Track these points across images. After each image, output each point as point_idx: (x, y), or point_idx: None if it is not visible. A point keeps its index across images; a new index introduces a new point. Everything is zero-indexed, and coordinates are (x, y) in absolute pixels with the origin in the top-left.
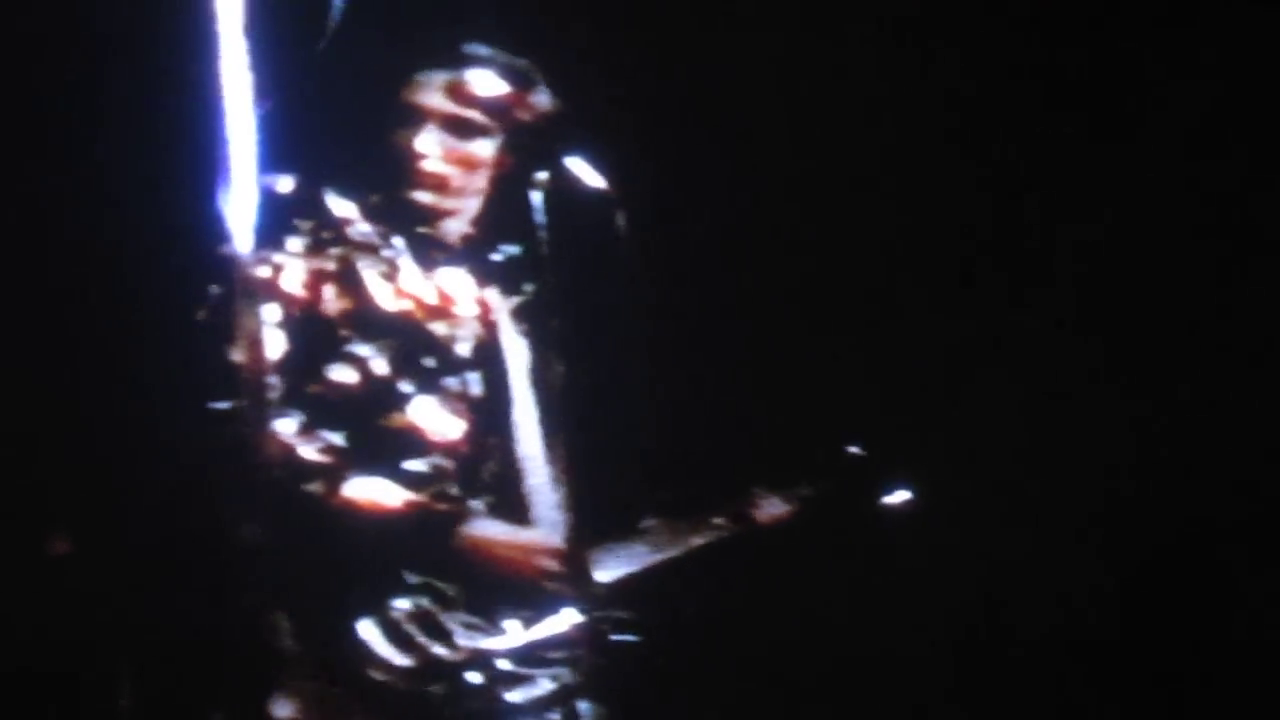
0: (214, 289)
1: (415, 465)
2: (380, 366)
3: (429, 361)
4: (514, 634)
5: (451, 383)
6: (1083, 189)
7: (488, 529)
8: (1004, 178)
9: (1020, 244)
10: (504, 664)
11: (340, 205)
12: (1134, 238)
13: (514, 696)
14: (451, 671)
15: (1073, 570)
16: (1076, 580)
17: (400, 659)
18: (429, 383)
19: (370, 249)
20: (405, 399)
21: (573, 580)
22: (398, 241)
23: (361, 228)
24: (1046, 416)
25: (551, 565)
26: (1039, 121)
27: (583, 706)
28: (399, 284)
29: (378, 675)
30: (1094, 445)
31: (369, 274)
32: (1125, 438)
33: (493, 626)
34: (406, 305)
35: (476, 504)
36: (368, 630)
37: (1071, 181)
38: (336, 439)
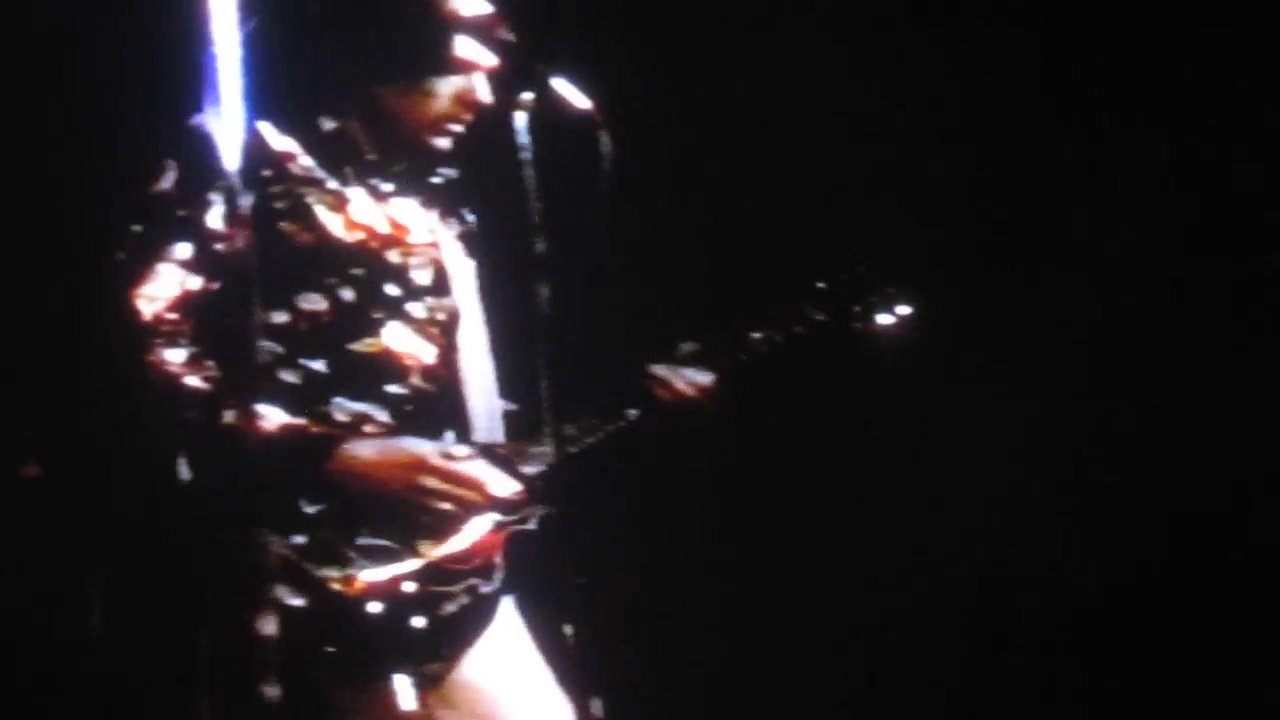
0: (147, 227)
1: (371, 391)
2: (342, 295)
3: (389, 289)
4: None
5: (409, 308)
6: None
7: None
8: None
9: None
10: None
11: (286, 140)
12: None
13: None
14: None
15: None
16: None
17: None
18: (386, 309)
19: (315, 183)
20: (363, 328)
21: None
22: (347, 174)
23: (305, 161)
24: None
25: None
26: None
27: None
28: (349, 215)
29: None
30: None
31: (319, 208)
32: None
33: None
34: (358, 236)
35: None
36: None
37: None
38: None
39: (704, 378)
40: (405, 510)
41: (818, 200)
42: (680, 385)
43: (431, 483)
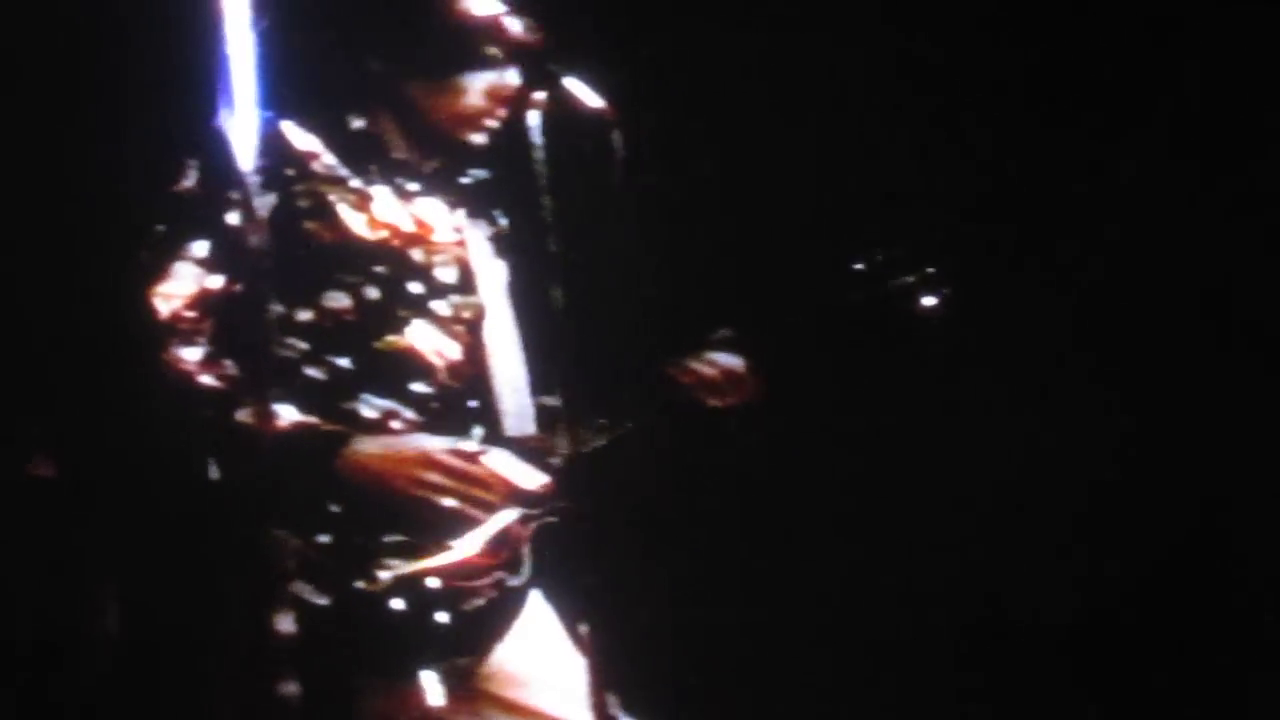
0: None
1: (397, 390)
2: (367, 294)
3: (414, 287)
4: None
5: (434, 306)
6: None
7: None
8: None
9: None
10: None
11: (309, 139)
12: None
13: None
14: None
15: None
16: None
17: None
18: (410, 308)
19: (338, 181)
20: (387, 326)
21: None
22: (372, 173)
23: (328, 160)
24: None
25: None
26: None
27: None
28: (372, 214)
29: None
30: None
31: (341, 206)
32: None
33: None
34: (382, 234)
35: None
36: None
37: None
38: (317, 369)
39: (736, 363)
40: (413, 508)
41: (845, 187)
42: (711, 371)
43: (438, 479)
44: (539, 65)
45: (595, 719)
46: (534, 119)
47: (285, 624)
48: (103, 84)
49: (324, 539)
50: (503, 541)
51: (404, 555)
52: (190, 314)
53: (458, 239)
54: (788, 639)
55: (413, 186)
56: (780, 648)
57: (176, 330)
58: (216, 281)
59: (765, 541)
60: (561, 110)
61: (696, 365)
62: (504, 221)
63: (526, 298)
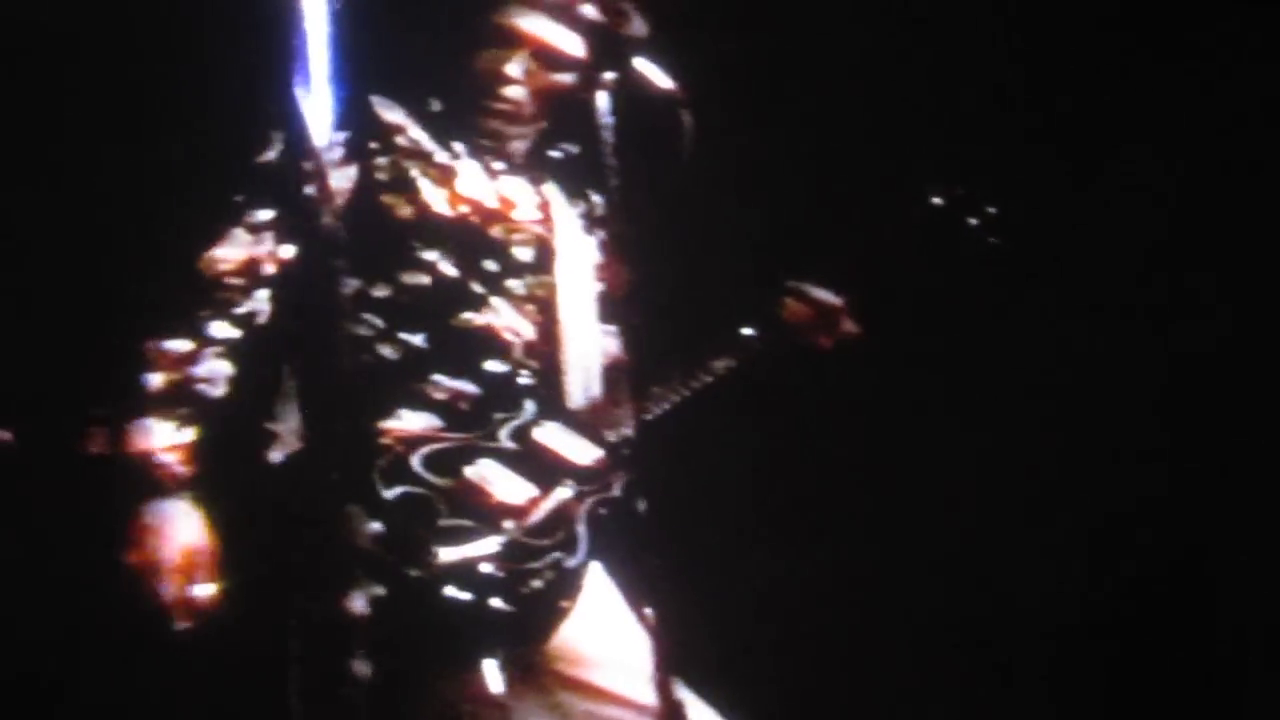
0: (270, 194)
1: (478, 366)
2: (444, 270)
3: (490, 265)
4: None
5: (511, 285)
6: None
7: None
8: None
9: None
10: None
11: (404, 115)
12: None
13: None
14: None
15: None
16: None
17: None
18: (490, 285)
19: (426, 156)
20: (467, 302)
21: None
22: (457, 149)
23: (416, 134)
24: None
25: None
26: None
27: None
28: (456, 190)
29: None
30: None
31: (424, 182)
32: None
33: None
34: (463, 210)
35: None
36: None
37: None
38: (401, 341)
39: (832, 298)
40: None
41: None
42: (808, 307)
43: None
44: (612, 45)
45: (660, 698)
46: (603, 99)
47: (354, 610)
48: (187, 53)
49: (376, 527)
50: (557, 521)
51: (459, 541)
52: (238, 280)
53: (540, 216)
54: (862, 618)
55: (499, 164)
56: (854, 627)
57: (219, 294)
58: (285, 251)
59: (837, 513)
60: (632, 90)
61: (792, 301)
62: (598, 198)
63: (610, 273)
